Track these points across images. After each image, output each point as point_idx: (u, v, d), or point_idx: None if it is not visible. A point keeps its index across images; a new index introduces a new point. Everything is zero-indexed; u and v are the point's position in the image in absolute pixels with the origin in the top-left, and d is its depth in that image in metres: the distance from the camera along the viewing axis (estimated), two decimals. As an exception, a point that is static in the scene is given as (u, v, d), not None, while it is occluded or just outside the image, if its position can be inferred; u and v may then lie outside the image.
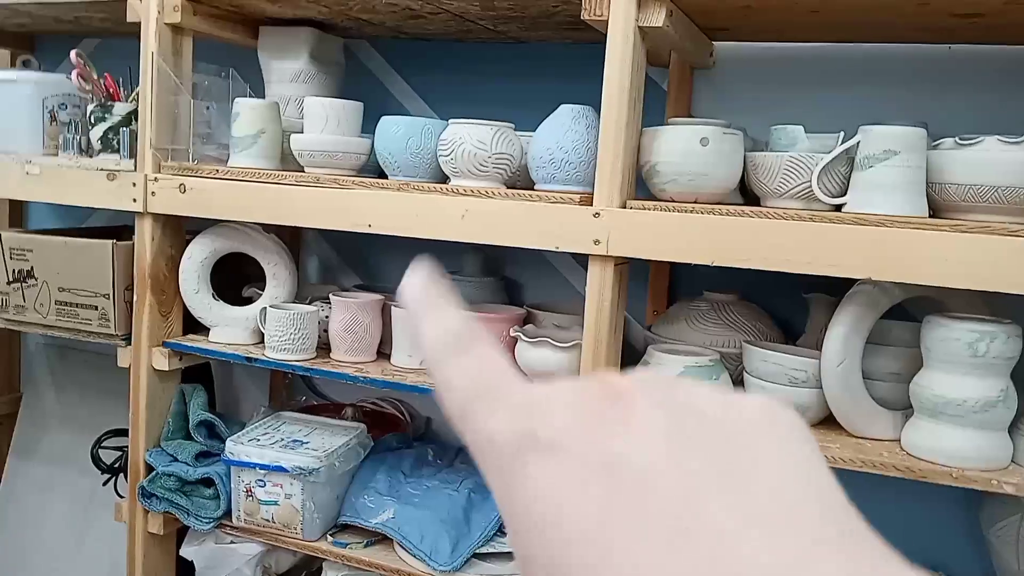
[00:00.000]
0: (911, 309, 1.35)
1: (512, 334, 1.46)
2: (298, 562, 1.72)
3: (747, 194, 1.38)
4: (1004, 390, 1.14)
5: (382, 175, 1.52)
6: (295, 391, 2.04)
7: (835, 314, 1.25)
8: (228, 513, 1.56)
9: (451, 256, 1.76)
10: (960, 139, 1.17)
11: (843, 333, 1.23)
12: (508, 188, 1.39)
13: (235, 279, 1.72)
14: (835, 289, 1.33)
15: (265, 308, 1.58)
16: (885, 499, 1.58)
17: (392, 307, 1.55)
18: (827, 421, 1.30)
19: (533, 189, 1.38)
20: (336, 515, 1.54)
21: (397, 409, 1.86)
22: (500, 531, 1.49)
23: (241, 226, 1.64)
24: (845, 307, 1.24)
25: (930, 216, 1.19)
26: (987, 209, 1.14)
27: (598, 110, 1.28)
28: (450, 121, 1.41)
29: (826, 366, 1.24)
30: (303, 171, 1.53)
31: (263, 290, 1.66)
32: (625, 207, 1.26)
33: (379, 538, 1.51)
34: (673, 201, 1.29)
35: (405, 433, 1.79)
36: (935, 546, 1.56)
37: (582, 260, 1.33)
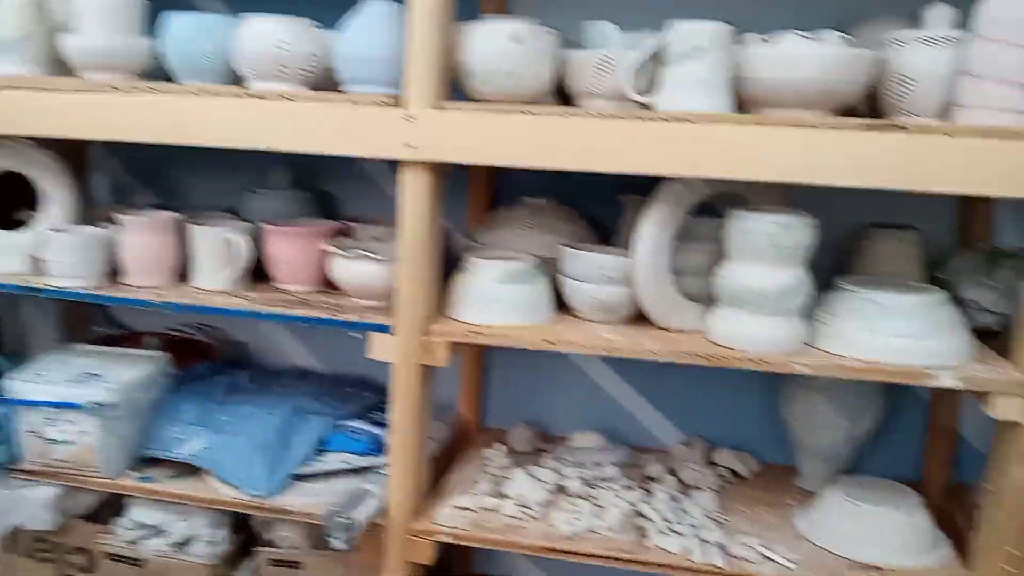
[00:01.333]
0: (718, 206, 1.38)
1: (325, 248, 1.39)
2: (104, 501, 1.60)
3: (565, 96, 1.36)
4: (800, 278, 1.21)
5: (171, 80, 1.38)
6: (92, 323, 1.86)
7: (644, 213, 1.27)
8: (17, 457, 1.42)
9: (257, 168, 1.64)
10: (764, 35, 1.19)
11: (652, 231, 1.25)
12: (313, 91, 1.30)
13: (7, 202, 1.53)
14: (649, 190, 1.35)
15: (46, 232, 1.41)
16: (695, 386, 1.67)
17: (190, 226, 1.43)
18: (640, 316, 1.34)
19: (341, 91, 1.30)
20: (140, 449, 1.44)
21: (208, 335, 1.75)
22: (320, 451, 1.45)
23: (10, 142, 1.45)
24: (653, 205, 1.26)
25: (737, 112, 1.21)
26: (789, 103, 1.18)
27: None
28: (245, 18, 1.29)
29: (636, 263, 1.26)
30: (79, 77, 1.36)
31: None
32: (438, 108, 1.21)
33: (190, 469, 1.42)
34: (488, 102, 1.25)
35: (217, 360, 1.69)
36: (740, 428, 1.67)
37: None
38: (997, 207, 1.50)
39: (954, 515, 1.47)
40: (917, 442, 1.62)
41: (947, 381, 1.17)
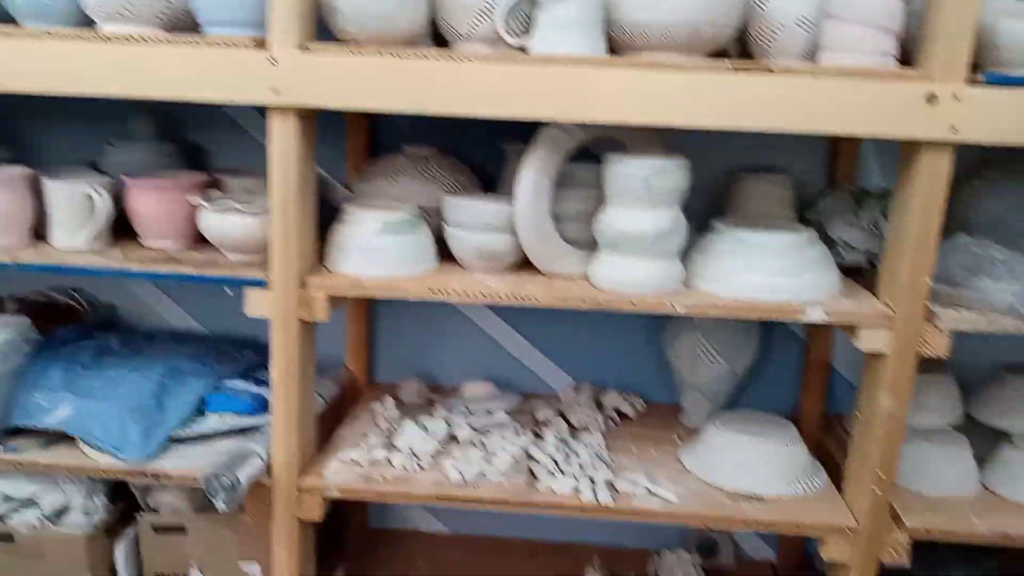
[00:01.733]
0: (598, 152, 1.38)
1: (192, 202, 1.32)
2: (-33, 479, 1.51)
3: (441, 40, 1.32)
4: (675, 220, 1.22)
5: (11, 22, 1.27)
6: (-56, 290, 1.74)
7: (523, 159, 1.25)
8: None
9: (117, 118, 1.55)
10: (634, -23, 1.18)
11: (531, 176, 1.24)
12: (168, 32, 1.22)
13: None
14: (532, 137, 1.33)
15: None
16: (583, 331, 1.69)
17: (45, 181, 1.33)
18: (525, 264, 1.33)
19: (199, 33, 1.22)
20: (4, 420, 1.35)
21: (72, 298, 1.65)
22: (199, 412, 1.40)
23: None
24: (532, 151, 1.25)
25: (610, 55, 1.20)
26: (661, 46, 1.17)
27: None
28: (90, -47, 1.20)
29: (517, 210, 1.25)
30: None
31: None
32: (304, 50, 1.15)
33: (61, 437, 1.35)
34: (358, 44, 1.20)
35: (83, 323, 1.61)
36: (627, 370, 1.71)
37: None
38: (863, 149, 1.56)
39: (828, 444, 1.55)
40: (793, 377, 1.68)
41: (816, 316, 1.21)
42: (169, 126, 1.60)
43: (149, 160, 1.51)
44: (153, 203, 1.35)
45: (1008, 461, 1.39)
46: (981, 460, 1.41)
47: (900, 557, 1.28)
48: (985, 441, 1.42)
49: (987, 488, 1.39)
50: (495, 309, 1.71)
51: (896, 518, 1.29)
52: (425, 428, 1.45)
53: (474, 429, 1.47)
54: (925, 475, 1.37)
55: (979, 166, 1.39)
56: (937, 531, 1.28)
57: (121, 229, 1.39)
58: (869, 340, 1.21)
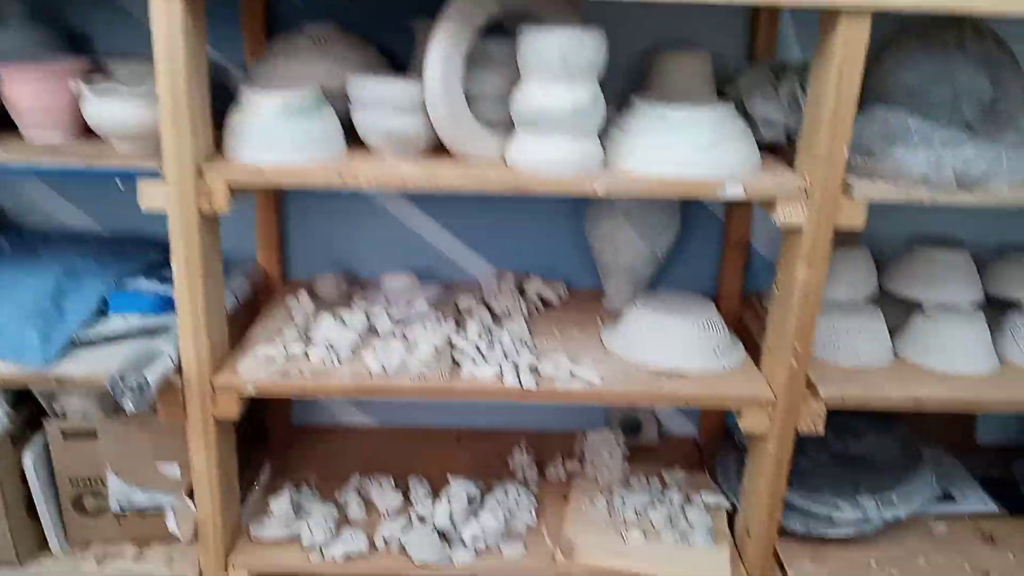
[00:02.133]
0: (512, 28, 1.32)
1: (75, 89, 1.22)
2: None
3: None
4: (593, 95, 1.17)
5: None
6: None
7: (432, 34, 1.18)
8: None
9: (-16, 0, 1.40)
10: None
11: (442, 52, 1.17)
12: None
13: None
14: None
15: None
16: (504, 218, 1.65)
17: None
18: (440, 149, 1.27)
19: None
20: None
21: (-46, 200, 1.54)
22: (101, 313, 1.33)
23: None
24: (441, 25, 1.17)
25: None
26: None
27: None
28: None
29: (428, 89, 1.18)
30: None
31: None
32: (181, -86, 1.04)
33: (-49, 348, 1.27)
34: (243, -92, 1.10)
35: (-32, 226, 1.50)
36: (551, 256, 1.69)
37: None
38: (781, 23, 1.52)
39: (747, 321, 1.57)
40: (713, 257, 1.69)
41: (734, 191, 1.19)
42: (46, 9, 1.46)
43: (25, 47, 1.37)
44: (31, 91, 1.24)
45: (919, 330, 1.43)
46: (894, 330, 1.45)
47: (816, 426, 1.31)
48: (898, 312, 1.46)
49: (899, 357, 1.43)
50: (412, 198, 1.66)
51: (812, 389, 1.32)
52: (343, 321, 1.41)
53: (395, 321, 1.44)
54: (840, 347, 1.41)
55: (895, 37, 1.37)
56: (852, 399, 1.32)
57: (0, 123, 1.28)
58: (786, 214, 1.20)
